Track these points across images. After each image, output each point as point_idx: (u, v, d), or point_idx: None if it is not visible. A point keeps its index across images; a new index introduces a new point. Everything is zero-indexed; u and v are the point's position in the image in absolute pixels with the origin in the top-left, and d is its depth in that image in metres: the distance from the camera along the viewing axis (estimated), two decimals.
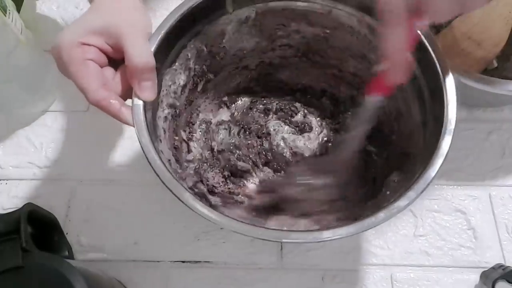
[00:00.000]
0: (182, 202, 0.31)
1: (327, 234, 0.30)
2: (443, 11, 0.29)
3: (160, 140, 0.37)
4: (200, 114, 0.48)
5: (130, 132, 0.52)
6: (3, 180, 0.50)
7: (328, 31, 0.43)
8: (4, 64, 0.45)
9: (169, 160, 0.38)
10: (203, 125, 0.48)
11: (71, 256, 0.44)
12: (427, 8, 0.29)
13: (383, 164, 0.43)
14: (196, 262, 0.45)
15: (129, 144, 0.51)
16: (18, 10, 0.50)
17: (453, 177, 0.49)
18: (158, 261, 0.45)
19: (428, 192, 0.48)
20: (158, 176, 0.31)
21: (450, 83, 0.34)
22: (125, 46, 0.32)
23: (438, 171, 0.31)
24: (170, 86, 0.40)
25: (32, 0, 0.60)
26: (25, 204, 0.36)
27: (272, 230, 0.31)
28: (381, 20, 0.31)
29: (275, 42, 0.46)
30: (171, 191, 0.31)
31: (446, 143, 0.32)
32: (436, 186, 0.49)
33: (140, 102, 0.33)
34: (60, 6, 0.61)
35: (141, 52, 0.33)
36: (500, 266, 0.43)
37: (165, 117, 0.40)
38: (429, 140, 0.35)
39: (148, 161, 0.32)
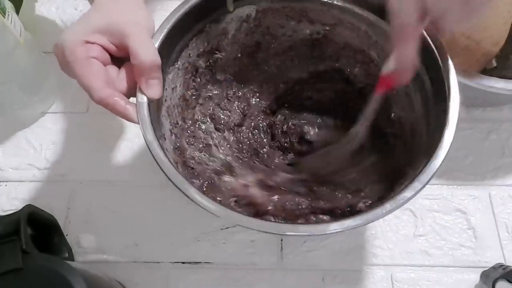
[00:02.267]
0: (189, 197, 0.31)
1: (334, 226, 0.30)
2: (453, 19, 0.31)
3: (165, 138, 0.37)
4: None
5: (129, 134, 0.52)
6: (3, 182, 0.50)
7: (328, 28, 0.44)
8: (3, 65, 0.45)
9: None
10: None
11: (71, 258, 0.44)
12: (439, 18, 0.31)
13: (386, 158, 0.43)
14: (197, 263, 0.45)
15: (128, 145, 0.51)
16: (17, 12, 0.50)
17: (452, 176, 0.49)
18: (158, 262, 0.45)
19: (428, 191, 0.48)
20: (163, 172, 0.31)
21: (452, 76, 0.35)
22: (130, 45, 0.32)
23: (442, 162, 0.32)
24: (172, 85, 0.40)
25: (31, 2, 0.60)
26: (25, 206, 0.36)
27: (280, 224, 0.31)
28: (389, 24, 0.32)
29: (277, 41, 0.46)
30: (176, 186, 0.31)
31: (449, 135, 0.32)
32: (436, 186, 0.49)
33: (145, 100, 0.34)
34: (59, 7, 0.61)
35: (148, 50, 0.33)
36: (500, 265, 0.43)
37: (169, 115, 0.40)
38: (432, 133, 0.35)
39: (154, 158, 0.32)
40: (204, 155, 0.44)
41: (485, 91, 0.43)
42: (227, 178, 0.42)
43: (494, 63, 0.50)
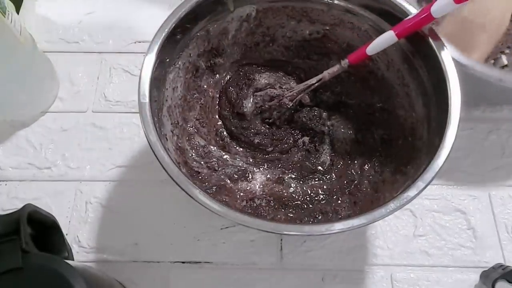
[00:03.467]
0: (193, 198, 0.31)
1: (339, 226, 0.30)
2: None
3: (166, 139, 0.37)
4: None
5: (129, 133, 0.52)
6: (3, 181, 0.50)
7: (328, 27, 0.44)
8: (3, 65, 0.45)
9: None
10: None
11: (71, 257, 0.44)
12: None
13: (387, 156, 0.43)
14: (196, 262, 0.45)
15: (128, 144, 0.51)
16: (17, 11, 0.50)
17: (452, 177, 0.49)
18: (158, 262, 0.45)
19: (428, 192, 0.48)
20: (167, 172, 0.31)
21: (453, 76, 0.35)
22: None
23: (445, 160, 0.32)
24: (173, 85, 0.40)
25: (31, 1, 0.60)
26: (24, 205, 0.36)
27: (284, 224, 0.31)
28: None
29: (277, 41, 0.46)
30: (180, 186, 0.31)
31: (451, 133, 0.32)
32: (436, 186, 0.49)
33: (147, 100, 0.34)
34: (59, 7, 0.61)
35: None
36: (500, 265, 0.43)
37: (170, 115, 0.40)
38: (433, 132, 0.35)
39: (157, 159, 0.32)
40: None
41: (490, 82, 0.41)
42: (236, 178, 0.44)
43: (505, 61, 0.49)
